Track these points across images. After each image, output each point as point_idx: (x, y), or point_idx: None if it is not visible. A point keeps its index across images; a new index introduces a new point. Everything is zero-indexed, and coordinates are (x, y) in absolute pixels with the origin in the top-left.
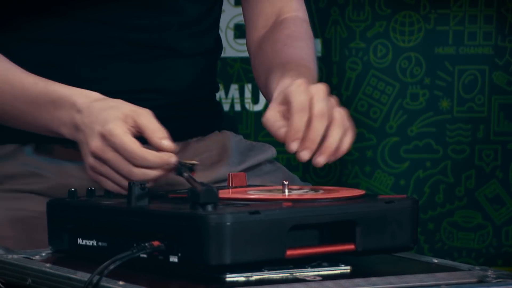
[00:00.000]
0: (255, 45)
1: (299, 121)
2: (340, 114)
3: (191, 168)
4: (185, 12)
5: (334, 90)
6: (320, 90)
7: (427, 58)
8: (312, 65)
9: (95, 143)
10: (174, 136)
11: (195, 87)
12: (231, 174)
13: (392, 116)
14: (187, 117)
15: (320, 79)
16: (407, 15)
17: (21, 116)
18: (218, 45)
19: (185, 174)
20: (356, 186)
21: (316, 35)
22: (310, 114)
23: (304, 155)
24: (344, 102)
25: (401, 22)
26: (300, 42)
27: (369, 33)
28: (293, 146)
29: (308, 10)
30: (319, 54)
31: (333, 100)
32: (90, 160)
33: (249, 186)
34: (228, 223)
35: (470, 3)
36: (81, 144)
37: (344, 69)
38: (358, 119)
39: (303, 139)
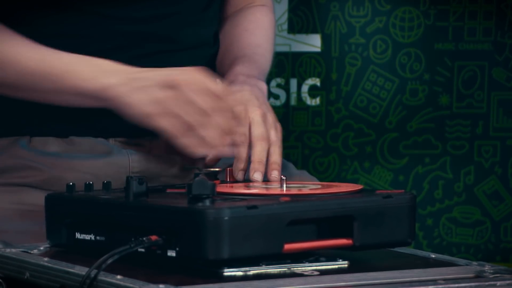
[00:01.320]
0: (222, 21)
1: (242, 153)
2: (276, 135)
3: (215, 176)
4: (185, 3)
5: (333, 86)
6: (256, 115)
7: (427, 54)
8: (266, 53)
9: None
10: None
11: None
12: (228, 169)
13: (391, 111)
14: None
15: (320, 75)
16: (406, 11)
17: (58, 74)
18: (216, 40)
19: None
20: (355, 181)
21: (316, 30)
22: (250, 139)
23: (257, 177)
24: (343, 98)
25: (401, 17)
26: (261, 31)
27: (368, 28)
28: (239, 176)
29: (308, 6)
30: (319, 50)
31: (270, 117)
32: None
33: (246, 181)
34: (226, 218)
35: None
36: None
37: (344, 64)
38: (357, 114)
39: (252, 163)
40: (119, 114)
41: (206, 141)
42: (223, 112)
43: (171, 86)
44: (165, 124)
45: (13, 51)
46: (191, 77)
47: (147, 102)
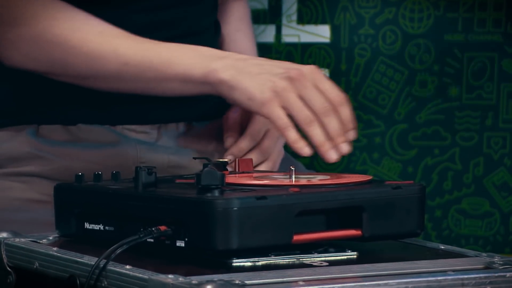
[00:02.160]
0: None
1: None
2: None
3: (225, 166)
4: None
5: (342, 77)
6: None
7: (436, 45)
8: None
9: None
10: (178, 118)
11: None
12: (238, 160)
13: (400, 103)
14: (192, 100)
15: (329, 66)
16: (416, 1)
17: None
18: (217, 28)
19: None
20: (364, 172)
21: (325, 21)
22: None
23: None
24: (352, 89)
25: (411, 8)
26: (250, 30)
27: (378, 19)
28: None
29: None
30: (328, 41)
31: None
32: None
33: (255, 171)
34: (235, 208)
35: None
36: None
37: (353, 55)
38: (366, 105)
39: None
40: (225, 98)
41: (314, 139)
42: (333, 117)
43: (290, 78)
44: (278, 113)
45: (114, 42)
46: (312, 73)
47: (261, 88)
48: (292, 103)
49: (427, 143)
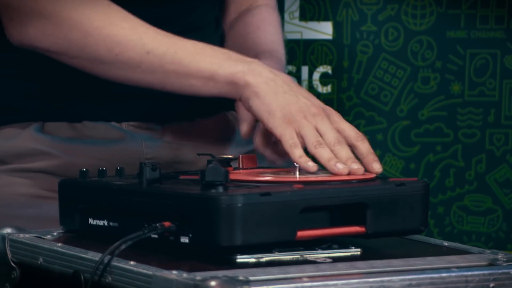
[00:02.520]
0: (227, 27)
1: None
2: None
3: (229, 162)
4: None
5: (345, 73)
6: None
7: (439, 41)
8: (282, 50)
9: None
10: (182, 115)
11: None
12: (242, 156)
13: (403, 99)
14: (195, 96)
15: (331, 62)
16: None
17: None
18: (218, 24)
19: None
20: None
21: (327, 18)
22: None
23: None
24: (355, 85)
25: (413, 5)
26: (272, 28)
27: (380, 16)
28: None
29: None
30: (331, 37)
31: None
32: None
33: (260, 167)
34: (239, 205)
35: None
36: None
37: (355, 52)
38: (368, 102)
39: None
40: (242, 103)
41: (322, 158)
42: (344, 146)
43: (310, 110)
44: (290, 133)
45: (139, 30)
46: (333, 114)
47: (283, 107)
48: (305, 128)
49: (429, 140)
